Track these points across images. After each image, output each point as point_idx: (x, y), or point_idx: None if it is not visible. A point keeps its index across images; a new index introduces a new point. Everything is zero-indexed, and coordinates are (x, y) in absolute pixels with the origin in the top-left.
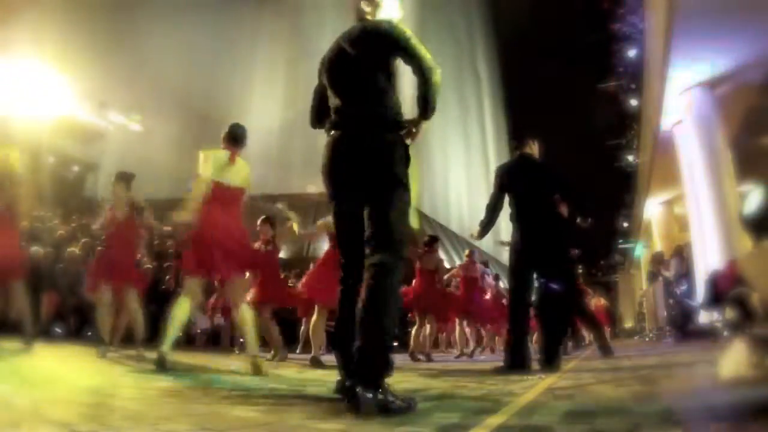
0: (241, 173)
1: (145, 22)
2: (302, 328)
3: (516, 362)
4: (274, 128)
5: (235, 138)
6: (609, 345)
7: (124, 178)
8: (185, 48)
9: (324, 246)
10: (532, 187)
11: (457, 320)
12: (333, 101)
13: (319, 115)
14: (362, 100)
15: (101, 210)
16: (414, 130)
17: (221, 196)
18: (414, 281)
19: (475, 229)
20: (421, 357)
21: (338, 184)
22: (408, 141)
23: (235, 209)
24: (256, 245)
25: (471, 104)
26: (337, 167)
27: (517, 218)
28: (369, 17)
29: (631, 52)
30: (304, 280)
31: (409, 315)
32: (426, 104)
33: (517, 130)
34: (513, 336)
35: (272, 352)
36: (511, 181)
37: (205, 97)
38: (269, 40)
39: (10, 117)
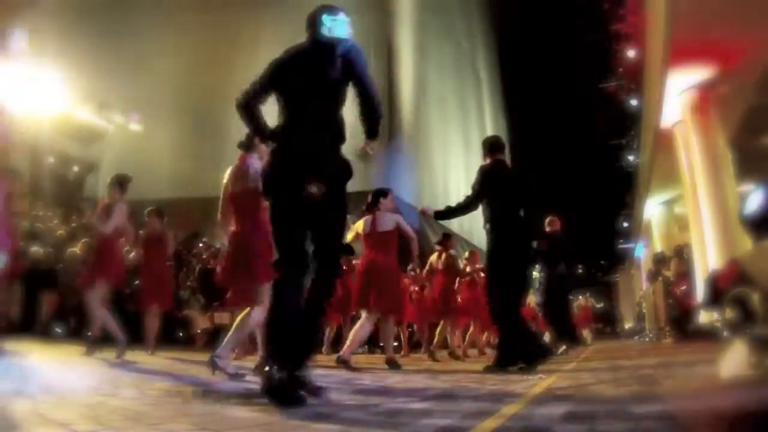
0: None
1: (145, 22)
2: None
3: (504, 361)
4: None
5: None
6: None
7: (118, 181)
8: (185, 48)
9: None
10: (513, 193)
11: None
12: (290, 110)
13: (255, 100)
14: (327, 117)
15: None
16: (370, 151)
17: None
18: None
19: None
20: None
21: (291, 194)
22: (365, 161)
23: None
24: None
25: (471, 104)
26: (295, 177)
27: (493, 221)
28: (328, 33)
29: (631, 52)
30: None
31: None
32: (377, 129)
33: (491, 137)
34: (500, 335)
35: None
36: (496, 184)
37: (205, 97)
38: (269, 41)
39: (9, 116)
